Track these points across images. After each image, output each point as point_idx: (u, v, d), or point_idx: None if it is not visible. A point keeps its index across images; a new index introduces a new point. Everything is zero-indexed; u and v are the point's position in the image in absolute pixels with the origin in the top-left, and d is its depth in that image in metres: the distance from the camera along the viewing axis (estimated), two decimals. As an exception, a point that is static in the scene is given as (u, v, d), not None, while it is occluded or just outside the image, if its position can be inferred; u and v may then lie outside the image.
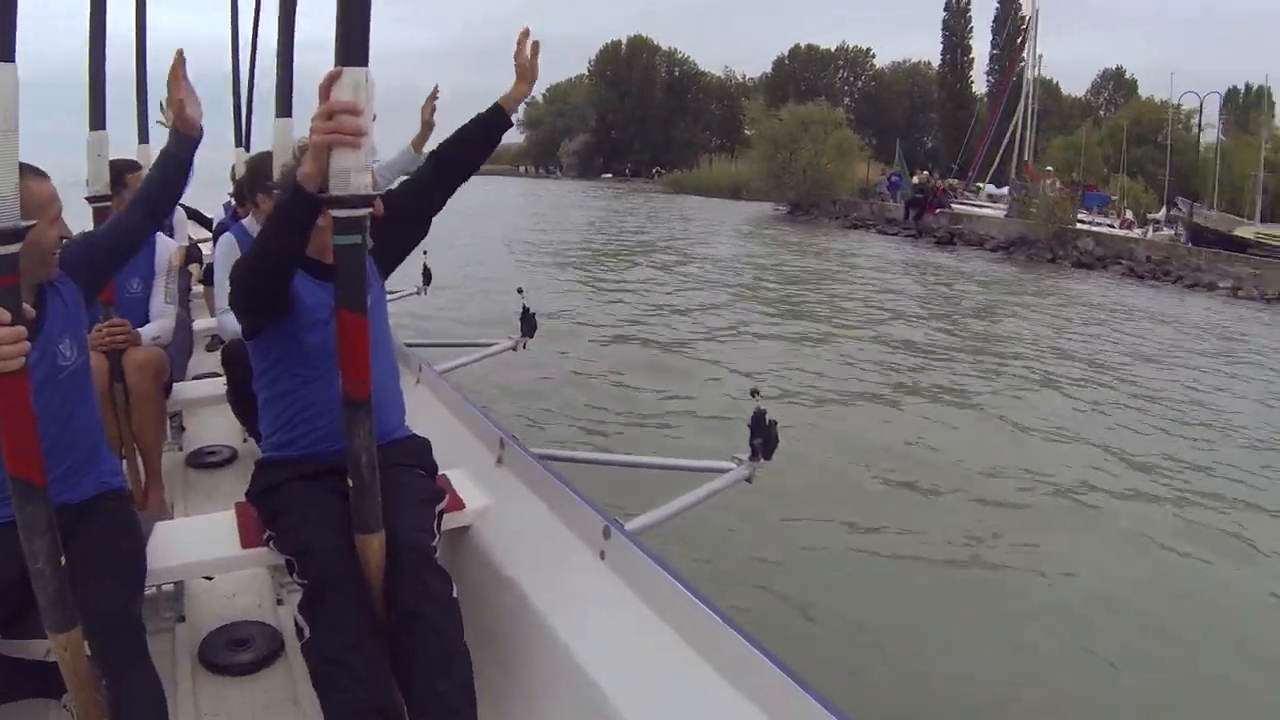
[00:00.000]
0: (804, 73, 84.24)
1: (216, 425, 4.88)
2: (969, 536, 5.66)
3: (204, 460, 4.47)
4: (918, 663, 4.17)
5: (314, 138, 1.96)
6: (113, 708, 2.02)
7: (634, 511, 2.90)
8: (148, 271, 3.98)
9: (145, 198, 2.68)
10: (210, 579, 3.02)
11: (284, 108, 3.30)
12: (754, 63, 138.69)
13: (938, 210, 32.51)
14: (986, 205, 34.85)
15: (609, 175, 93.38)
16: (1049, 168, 32.32)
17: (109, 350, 3.61)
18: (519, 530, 2.78)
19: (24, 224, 1.66)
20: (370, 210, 1.99)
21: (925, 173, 39.08)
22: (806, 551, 5.10)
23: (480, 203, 33.74)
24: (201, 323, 5.78)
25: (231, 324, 3.35)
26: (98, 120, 3.68)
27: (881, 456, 6.98)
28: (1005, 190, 35.61)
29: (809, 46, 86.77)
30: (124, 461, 3.52)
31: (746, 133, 78.69)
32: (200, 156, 2.85)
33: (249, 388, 2.80)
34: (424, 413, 3.57)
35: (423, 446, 2.73)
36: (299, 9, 3.36)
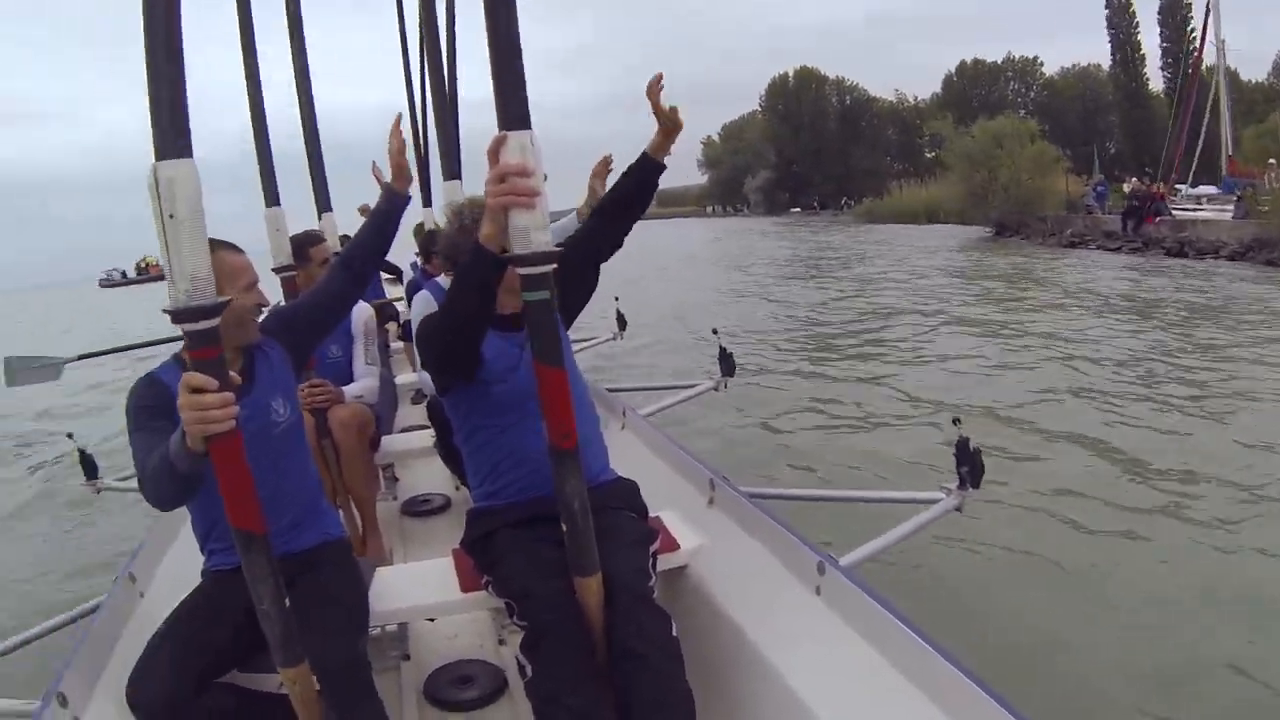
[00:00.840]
0: (974, 89, 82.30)
1: (428, 474, 5.06)
2: (1207, 571, 5.05)
3: (418, 509, 4.66)
4: (1155, 702, 3.85)
5: (489, 200, 2.05)
6: None
7: (846, 546, 2.89)
8: (345, 337, 4.18)
9: (351, 257, 2.79)
10: (432, 620, 3.13)
11: (450, 170, 3.48)
12: (921, 84, 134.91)
13: (1156, 219, 29.08)
14: (1205, 208, 31.55)
15: (797, 209, 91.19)
16: (1271, 160, 29.03)
17: (314, 409, 3.78)
18: (734, 569, 2.79)
19: (221, 299, 1.78)
20: (554, 266, 2.05)
21: (1136, 179, 34.86)
22: (1023, 583, 4.88)
23: (670, 244, 33.55)
24: (404, 377, 6.02)
25: (426, 379, 3.48)
26: (271, 197, 3.97)
27: (1106, 485, 6.49)
28: (1217, 190, 32.76)
29: (975, 61, 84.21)
30: (341, 512, 3.69)
31: (927, 155, 77.89)
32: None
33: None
34: (631, 456, 3.65)
35: (630, 489, 2.77)
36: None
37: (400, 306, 8.42)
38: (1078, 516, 5.84)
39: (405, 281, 7.21)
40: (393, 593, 2.72)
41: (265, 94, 4.05)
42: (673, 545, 2.85)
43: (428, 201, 8.31)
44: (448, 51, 3.84)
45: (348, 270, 2.76)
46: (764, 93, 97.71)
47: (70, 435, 4.59)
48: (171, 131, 1.66)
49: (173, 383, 2.33)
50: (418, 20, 7.62)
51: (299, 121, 4.61)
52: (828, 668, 2.25)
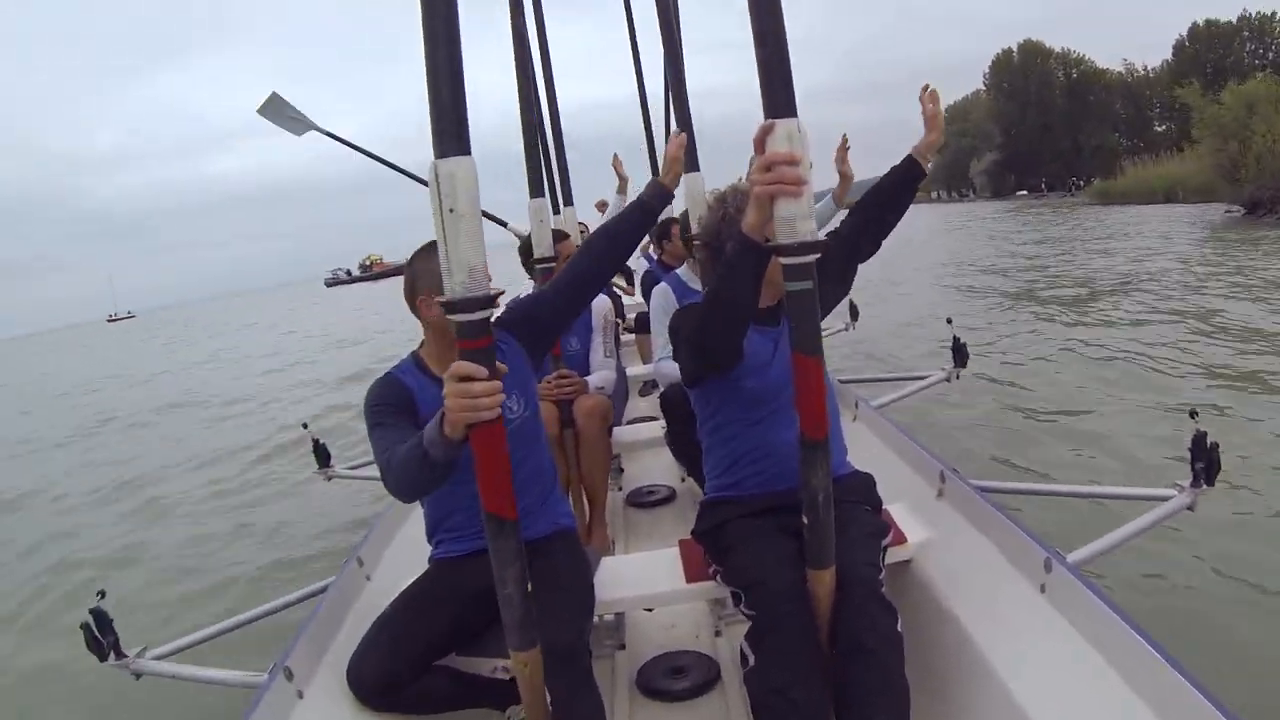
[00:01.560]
0: (1208, 53, 74.30)
1: (654, 466, 5.20)
2: None
3: (643, 500, 4.78)
4: None
5: (756, 189, 2.01)
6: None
7: (1073, 542, 2.82)
8: (584, 330, 4.35)
9: (601, 246, 2.80)
10: (650, 610, 3.23)
11: (691, 163, 3.61)
12: (1151, 51, 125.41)
13: None
14: None
15: (1023, 192, 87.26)
16: None
17: (558, 400, 3.97)
18: (960, 563, 2.81)
19: (496, 291, 1.83)
20: (819, 255, 2.02)
21: None
22: (1261, 590, 4.53)
23: (899, 234, 31.69)
24: (633, 369, 6.11)
25: (670, 370, 3.48)
26: (536, 188, 4.12)
27: None
28: None
29: (1208, 23, 76.26)
30: (570, 500, 3.78)
31: (1157, 129, 74.32)
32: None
33: (689, 431, 2.98)
34: (864, 448, 3.69)
35: (867, 482, 2.81)
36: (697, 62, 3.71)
37: (628, 300, 8.67)
38: None
39: (640, 274, 7.33)
40: (617, 581, 2.82)
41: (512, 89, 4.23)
42: (901, 539, 2.91)
43: None
44: (675, 45, 3.95)
45: (590, 254, 2.78)
46: (988, 70, 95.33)
47: (305, 425, 4.81)
48: (452, 130, 1.72)
49: (410, 382, 2.59)
50: (634, 15, 7.84)
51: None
52: (1048, 668, 2.23)
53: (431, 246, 2.39)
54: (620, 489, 4.97)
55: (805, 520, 2.23)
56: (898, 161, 2.87)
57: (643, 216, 2.80)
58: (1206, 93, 40.88)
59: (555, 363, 4.05)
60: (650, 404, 6.66)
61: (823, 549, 2.25)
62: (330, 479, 4.75)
